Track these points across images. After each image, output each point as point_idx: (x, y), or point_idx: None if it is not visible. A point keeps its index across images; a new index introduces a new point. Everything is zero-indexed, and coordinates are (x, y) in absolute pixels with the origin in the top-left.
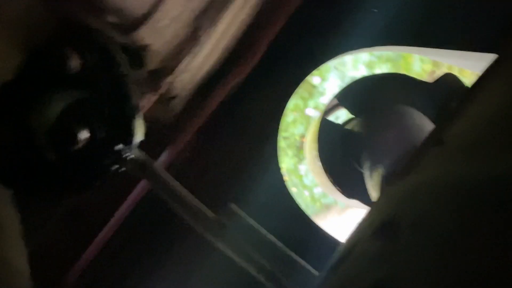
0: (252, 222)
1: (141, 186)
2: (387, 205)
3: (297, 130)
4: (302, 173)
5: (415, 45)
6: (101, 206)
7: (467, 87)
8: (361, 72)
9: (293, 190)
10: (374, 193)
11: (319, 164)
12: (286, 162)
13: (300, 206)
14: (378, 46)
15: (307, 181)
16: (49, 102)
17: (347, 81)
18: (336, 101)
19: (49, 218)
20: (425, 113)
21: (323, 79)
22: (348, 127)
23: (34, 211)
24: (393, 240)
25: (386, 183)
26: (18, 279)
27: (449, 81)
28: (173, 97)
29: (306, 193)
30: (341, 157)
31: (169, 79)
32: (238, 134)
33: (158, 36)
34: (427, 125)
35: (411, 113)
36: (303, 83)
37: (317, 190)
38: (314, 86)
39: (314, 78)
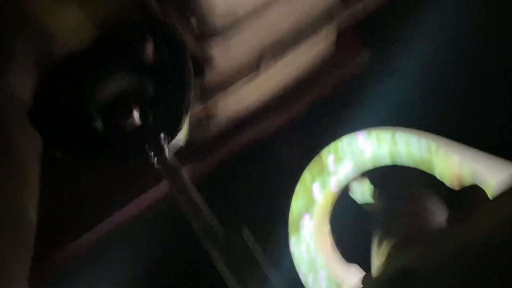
0: (257, 250)
1: (155, 191)
2: (401, 260)
3: (298, 203)
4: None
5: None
6: (110, 195)
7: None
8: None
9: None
10: (377, 261)
11: (328, 228)
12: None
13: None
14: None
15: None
16: (113, 78)
17: (362, 167)
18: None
19: (57, 192)
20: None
21: (337, 161)
22: (366, 205)
23: (48, 181)
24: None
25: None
26: (26, 228)
27: (473, 193)
28: (212, 116)
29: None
30: (352, 230)
31: (218, 96)
32: (261, 171)
33: (225, 52)
34: (443, 214)
35: (432, 199)
36: (318, 158)
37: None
38: (326, 165)
39: (329, 157)
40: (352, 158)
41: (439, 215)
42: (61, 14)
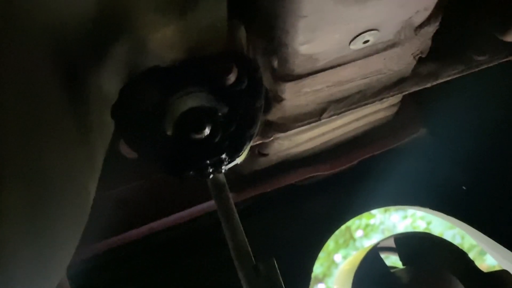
0: (280, 282)
1: (199, 209)
2: None
3: (317, 268)
4: None
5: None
6: (154, 205)
7: None
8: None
9: None
10: None
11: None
12: None
13: None
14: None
15: None
16: (193, 95)
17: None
18: (390, 243)
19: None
20: None
21: (366, 236)
22: (392, 270)
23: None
24: None
25: None
26: (85, 213)
27: (503, 278)
28: (265, 155)
29: None
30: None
31: (277, 135)
32: (295, 216)
33: (295, 97)
34: None
35: (455, 283)
36: (345, 229)
37: None
38: (353, 239)
39: (357, 232)
40: (381, 236)
41: None
42: (161, 31)
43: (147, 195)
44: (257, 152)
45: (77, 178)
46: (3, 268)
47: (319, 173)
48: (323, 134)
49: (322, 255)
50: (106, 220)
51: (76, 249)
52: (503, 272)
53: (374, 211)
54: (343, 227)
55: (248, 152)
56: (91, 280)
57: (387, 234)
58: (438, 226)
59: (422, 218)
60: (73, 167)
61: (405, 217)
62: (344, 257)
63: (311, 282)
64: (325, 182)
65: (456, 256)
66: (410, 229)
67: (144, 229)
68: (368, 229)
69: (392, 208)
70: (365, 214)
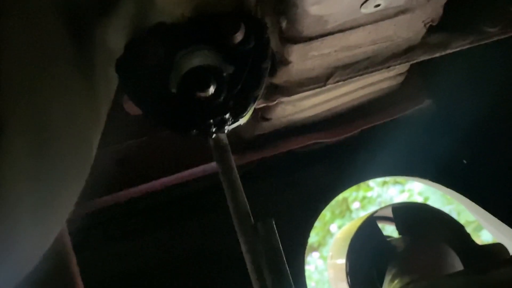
0: (277, 242)
1: (201, 169)
2: None
3: (310, 237)
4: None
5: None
6: (157, 162)
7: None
8: None
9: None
10: None
11: (344, 254)
12: None
13: None
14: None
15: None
16: (199, 53)
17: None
18: (388, 212)
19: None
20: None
21: (362, 208)
22: (389, 239)
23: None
24: None
25: None
26: (88, 164)
27: (496, 251)
28: (268, 119)
29: None
30: (368, 259)
31: (281, 99)
32: (294, 182)
33: (301, 60)
34: (458, 268)
35: (451, 254)
36: (342, 200)
37: None
38: (350, 210)
39: (354, 204)
40: (378, 208)
41: (455, 269)
42: None
43: (150, 153)
44: (260, 116)
45: (81, 128)
46: (6, 208)
47: (320, 141)
48: (327, 101)
49: (317, 224)
50: (108, 176)
51: (77, 205)
52: (497, 245)
53: (372, 184)
54: (340, 197)
55: (251, 116)
56: (90, 236)
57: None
58: (435, 201)
59: (420, 193)
60: (77, 117)
61: (402, 191)
62: (340, 227)
63: (306, 251)
64: (326, 150)
65: (452, 228)
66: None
67: (145, 187)
68: (365, 201)
69: (390, 181)
70: (363, 187)
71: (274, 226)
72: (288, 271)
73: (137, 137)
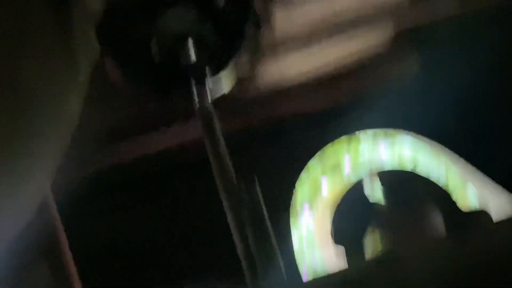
0: (260, 201)
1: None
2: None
3: (302, 192)
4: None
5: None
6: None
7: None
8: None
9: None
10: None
11: (330, 214)
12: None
13: None
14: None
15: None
16: (179, 17)
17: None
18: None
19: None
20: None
21: (353, 161)
22: (375, 204)
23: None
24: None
25: None
26: (69, 129)
27: (481, 218)
28: (252, 78)
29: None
30: (353, 220)
31: (266, 60)
32: (281, 145)
33: (285, 18)
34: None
35: (436, 219)
36: (333, 153)
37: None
38: (340, 163)
39: (346, 156)
40: (369, 164)
41: (439, 233)
42: None
43: (140, 124)
44: (245, 80)
45: (59, 92)
46: None
47: (308, 105)
48: (315, 59)
49: (308, 178)
50: (97, 149)
51: (64, 176)
52: (482, 212)
53: (362, 147)
54: (331, 150)
55: (236, 81)
56: (77, 207)
57: (375, 163)
58: (424, 166)
59: (409, 148)
60: (55, 81)
61: (392, 144)
62: (331, 181)
63: (297, 205)
64: (315, 113)
65: (438, 195)
66: (397, 166)
67: (135, 159)
68: (355, 156)
69: (380, 135)
70: (354, 140)
71: (257, 184)
72: (271, 230)
73: (127, 108)
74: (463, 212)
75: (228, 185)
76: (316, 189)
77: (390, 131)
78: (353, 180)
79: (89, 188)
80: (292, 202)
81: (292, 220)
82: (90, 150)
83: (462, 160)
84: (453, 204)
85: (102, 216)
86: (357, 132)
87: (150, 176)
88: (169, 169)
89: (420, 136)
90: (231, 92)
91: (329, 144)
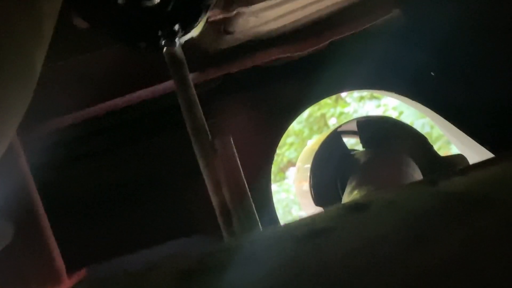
0: (235, 158)
1: (162, 87)
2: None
3: (290, 153)
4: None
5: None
6: (114, 81)
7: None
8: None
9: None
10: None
11: (308, 168)
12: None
13: None
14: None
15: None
16: None
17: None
18: (354, 127)
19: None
20: (423, 174)
21: (339, 123)
22: (353, 152)
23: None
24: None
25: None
26: (33, 81)
27: (456, 161)
28: (230, 32)
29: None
30: (331, 171)
31: (240, 10)
32: (260, 97)
33: None
34: (417, 178)
35: (412, 166)
36: (320, 116)
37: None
38: (327, 126)
39: (331, 119)
40: (353, 123)
41: (414, 179)
42: None
43: (107, 70)
44: (223, 30)
45: (21, 45)
46: None
47: (287, 55)
48: (292, 11)
49: (296, 140)
50: (67, 94)
51: (34, 125)
52: (458, 156)
53: (349, 100)
54: (318, 113)
55: (209, 30)
56: (49, 156)
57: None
58: (409, 115)
59: (394, 108)
60: (15, 32)
61: (378, 106)
62: (316, 142)
63: (284, 166)
64: (293, 64)
65: (415, 140)
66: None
67: (106, 105)
68: (342, 117)
69: (366, 96)
70: (340, 103)
71: (232, 142)
72: (246, 186)
73: (92, 50)
74: (440, 156)
75: (201, 136)
76: (301, 151)
77: (376, 93)
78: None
79: (58, 136)
80: (285, 162)
81: (278, 184)
82: (62, 97)
83: (440, 117)
84: (430, 148)
85: (74, 164)
86: (342, 95)
87: (122, 123)
88: (142, 116)
89: (397, 95)
90: (206, 42)
91: (315, 106)
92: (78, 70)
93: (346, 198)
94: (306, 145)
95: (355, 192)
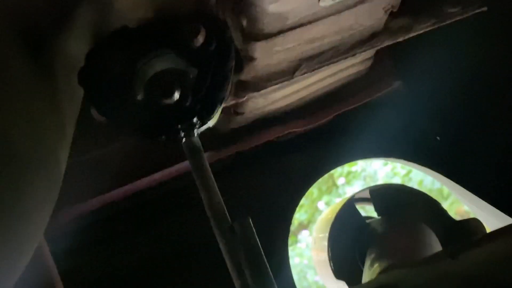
0: (255, 241)
1: (176, 169)
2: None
3: (301, 216)
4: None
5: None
6: (132, 166)
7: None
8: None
9: None
10: (367, 279)
11: (325, 238)
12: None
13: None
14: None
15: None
16: (162, 58)
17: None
18: (367, 193)
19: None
20: (440, 239)
21: (348, 183)
22: (368, 221)
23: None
24: None
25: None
26: (57, 179)
27: (472, 226)
28: (240, 113)
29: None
30: (349, 242)
31: (251, 95)
32: (274, 172)
33: (266, 56)
34: (435, 248)
35: (429, 234)
36: (328, 177)
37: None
38: (336, 186)
39: (339, 179)
40: (363, 183)
41: (433, 249)
42: None
43: (124, 157)
44: (233, 111)
45: (46, 146)
46: None
47: (296, 129)
48: (298, 91)
49: (306, 202)
50: (84, 184)
51: (56, 213)
52: (473, 220)
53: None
54: (326, 175)
55: (221, 113)
56: (71, 243)
57: (369, 181)
58: (418, 173)
59: (402, 167)
60: (41, 135)
61: (385, 164)
62: (327, 204)
63: (295, 229)
64: (302, 137)
65: (429, 206)
66: (390, 175)
67: (120, 191)
68: (350, 176)
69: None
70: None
71: (251, 224)
72: (268, 268)
73: (111, 143)
74: (455, 220)
75: (220, 221)
76: (316, 209)
77: (384, 160)
78: (349, 192)
79: (78, 223)
80: (292, 226)
81: (291, 243)
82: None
83: (449, 180)
84: (444, 213)
85: (94, 248)
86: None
87: (139, 207)
88: (158, 198)
89: (405, 161)
90: (218, 123)
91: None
92: (96, 160)
93: (367, 271)
94: (316, 206)
95: (376, 265)
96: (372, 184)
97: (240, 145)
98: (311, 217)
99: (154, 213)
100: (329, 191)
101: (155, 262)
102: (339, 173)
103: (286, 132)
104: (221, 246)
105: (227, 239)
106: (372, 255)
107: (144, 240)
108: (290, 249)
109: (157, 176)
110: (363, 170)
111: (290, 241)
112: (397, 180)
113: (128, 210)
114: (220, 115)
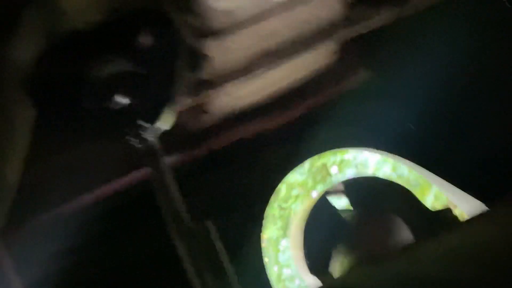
0: (218, 244)
1: (137, 174)
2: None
3: (297, 206)
4: (281, 249)
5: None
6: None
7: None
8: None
9: (266, 260)
10: (338, 272)
11: (302, 237)
12: (270, 231)
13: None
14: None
15: (282, 258)
16: (107, 61)
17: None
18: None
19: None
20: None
21: (340, 172)
22: (343, 214)
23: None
24: None
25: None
26: (3, 192)
27: (448, 217)
28: (206, 112)
29: (275, 268)
30: (325, 237)
31: (211, 93)
32: (245, 173)
33: (222, 54)
34: (406, 240)
35: (400, 225)
36: (322, 166)
37: (286, 272)
38: (329, 175)
39: (332, 168)
40: (355, 169)
41: (403, 241)
42: None
43: (79, 165)
44: (199, 110)
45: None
46: None
47: (267, 125)
48: (265, 87)
49: (301, 192)
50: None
51: (20, 223)
52: (447, 211)
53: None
54: (319, 163)
55: (190, 113)
56: (35, 251)
57: (360, 169)
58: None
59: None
60: None
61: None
62: (321, 193)
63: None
64: (274, 133)
65: (402, 197)
66: (381, 162)
67: (76, 201)
68: (342, 165)
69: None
70: (340, 150)
71: (212, 228)
72: (230, 271)
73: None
74: (428, 210)
75: (179, 224)
76: (311, 199)
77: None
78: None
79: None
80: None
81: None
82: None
83: (423, 169)
84: (416, 203)
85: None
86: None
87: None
88: (115, 208)
89: (380, 152)
90: (185, 123)
91: (317, 156)
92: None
93: (335, 264)
94: (310, 195)
95: (345, 260)
96: (364, 171)
97: (213, 143)
98: (307, 206)
99: (113, 224)
100: (323, 180)
101: (116, 273)
102: (332, 162)
103: (258, 128)
104: (180, 249)
105: (185, 242)
106: (342, 249)
107: (104, 251)
108: (285, 239)
109: (115, 184)
110: (355, 158)
111: (286, 230)
112: (387, 167)
113: (84, 222)
114: (188, 115)
